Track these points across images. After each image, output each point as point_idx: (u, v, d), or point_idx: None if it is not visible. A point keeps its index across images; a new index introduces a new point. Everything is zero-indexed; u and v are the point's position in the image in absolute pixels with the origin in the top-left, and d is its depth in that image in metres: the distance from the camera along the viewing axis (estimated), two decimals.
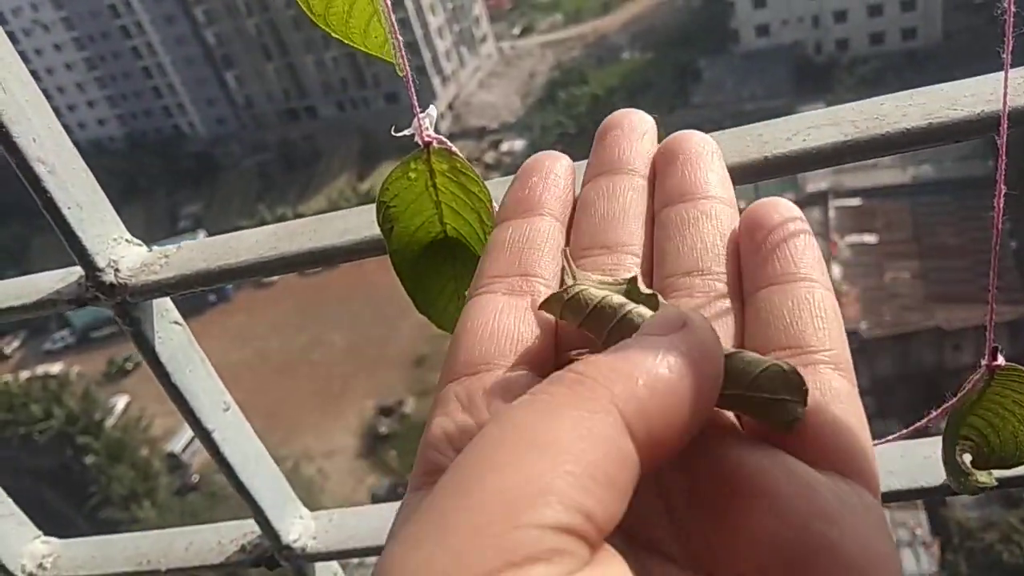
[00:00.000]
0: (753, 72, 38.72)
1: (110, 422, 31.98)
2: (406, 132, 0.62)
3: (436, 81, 46.81)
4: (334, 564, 1.02)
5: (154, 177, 47.68)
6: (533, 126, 43.30)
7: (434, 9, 46.86)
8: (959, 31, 38.44)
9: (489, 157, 43.81)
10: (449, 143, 0.62)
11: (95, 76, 50.70)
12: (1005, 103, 0.51)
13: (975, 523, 21.30)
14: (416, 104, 0.59)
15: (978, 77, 0.60)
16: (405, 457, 30.83)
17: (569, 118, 41.20)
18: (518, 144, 43.50)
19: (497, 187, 0.66)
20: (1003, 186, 0.54)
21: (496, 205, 0.64)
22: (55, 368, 36.10)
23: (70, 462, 31.38)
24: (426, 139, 0.61)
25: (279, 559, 0.94)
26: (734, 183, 0.62)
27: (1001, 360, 0.58)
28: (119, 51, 49.63)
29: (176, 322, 0.82)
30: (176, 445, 31.60)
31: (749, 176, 0.61)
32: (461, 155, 0.62)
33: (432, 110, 0.62)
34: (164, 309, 0.81)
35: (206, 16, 47.00)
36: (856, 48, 39.19)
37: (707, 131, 0.60)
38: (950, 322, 26.08)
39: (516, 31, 55.06)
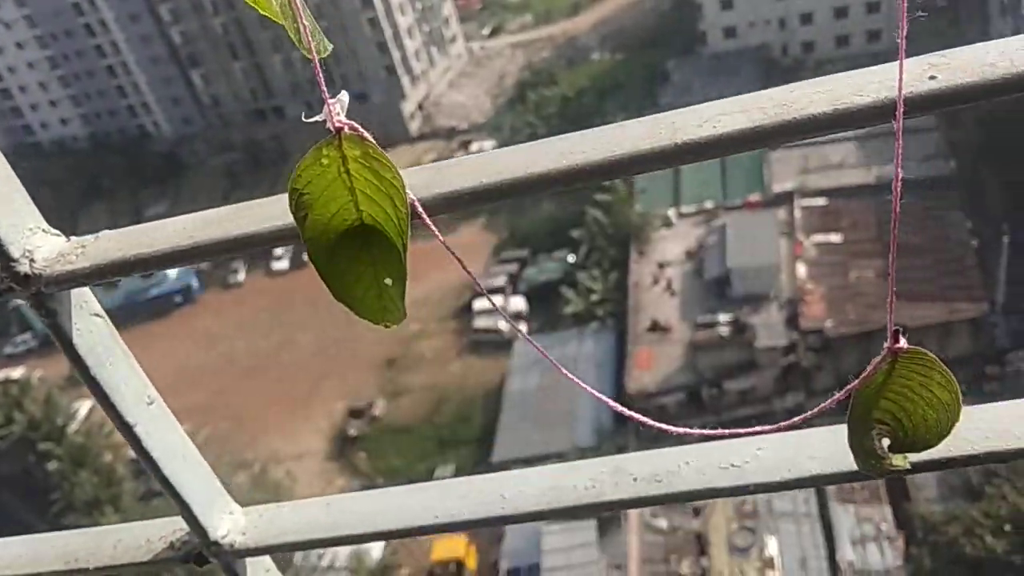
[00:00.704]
0: (721, 73, 39.06)
1: (73, 427, 31.42)
2: (317, 118, 0.62)
3: (406, 80, 46.63)
4: (267, 559, 1.01)
5: (118, 177, 46.95)
6: (503, 126, 43.31)
7: (403, 9, 46.68)
8: (922, 34, 38.96)
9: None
10: (361, 128, 0.62)
11: (58, 75, 49.81)
12: (901, 90, 0.51)
13: (939, 517, 21.64)
14: (325, 90, 0.59)
15: (882, 65, 0.61)
16: (375, 459, 30.65)
17: (539, 118, 41.26)
18: (488, 144, 43.46)
19: (411, 174, 0.66)
20: (899, 169, 0.55)
21: (410, 192, 0.63)
22: (16, 373, 35.40)
23: (32, 468, 30.79)
24: (337, 125, 0.61)
25: (207, 555, 0.93)
26: (647, 169, 0.62)
27: (903, 343, 0.58)
28: (82, 50, 48.80)
29: (97, 314, 0.80)
30: None
31: (661, 162, 0.62)
32: (373, 141, 0.62)
33: (344, 95, 0.62)
34: (83, 301, 0.79)
35: (171, 14, 46.39)
36: (822, 50, 39.70)
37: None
38: (913, 320, 26.48)
39: (486, 31, 55.02)
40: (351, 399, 32.64)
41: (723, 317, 27.62)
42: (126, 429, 0.84)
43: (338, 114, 0.62)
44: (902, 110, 0.53)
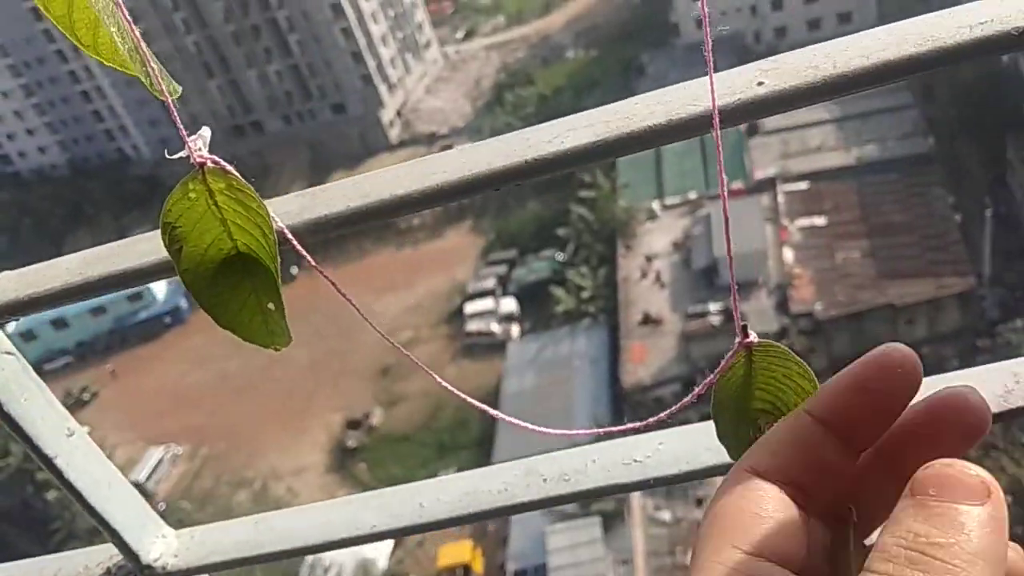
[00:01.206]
0: (695, 63, 38.84)
1: None
2: (180, 154, 0.64)
3: (383, 89, 46.62)
4: None
5: (100, 202, 46.79)
6: (483, 128, 43.35)
7: (376, 17, 46.67)
8: (893, 12, 39.34)
9: None
10: (223, 162, 0.63)
11: (33, 103, 49.61)
12: (715, 103, 0.52)
13: None
14: (181, 127, 0.60)
15: (719, 73, 0.63)
16: (375, 469, 30.64)
17: (518, 119, 41.32)
18: None
19: (285, 202, 0.68)
20: (724, 176, 0.55)
21: (276, 218, 0.66)
22: None
23: (31, 499, 30.67)
24: (199, 160, 0.63)
25: None
26: (502, 185, 0.64)
27: (753, 336, 0.59)
28: (56, 76, 48.62)
29: (7, 352, 0.83)
30: (140, 474, 31.03)
31: (514, 177, 0.64)
32: (236, 173, 0.64)
33: (205, 131, 0.64)
34: None
35: (143, 36, 46.00)
36: (794, 35, 39.87)
37: None
38: (902, 298, 26.64)
39: (460, 35, 55.05)
40: (348, 410, 32.61)
41: (713, 306, 27.71)
42: (46, 462, 0.86)
43: (199, 149, 0.62)
44: (718, 119, 0.54)
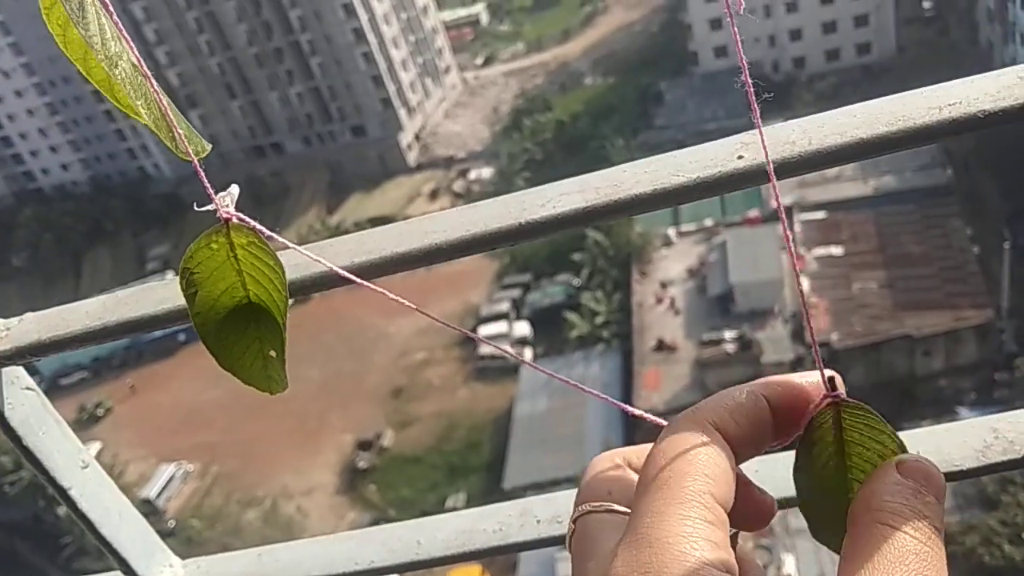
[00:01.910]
0: (714, 93, 39.35)
1: None
2: (208, 208, 0.68)
3: (402, 112, 47.05)
4: None
5: (120, 220, 47.33)
6: (500, 154, 43.60)
7: (397, 42, 47.22)
8: (912, 44, 39.41)
9: (458, 186, 44.02)
10: (248, 220, 0.67)
11: (57, 121, 50.41)
12: (768, 158, 0.54)
13: (956, 528, 21.48)
14: (209, 187, 0.64)
15: (702, 144, 0.67)
16: (385, 491, 30.58)
17: (535, 144, 41.56)
18: (486, 172, 43.76)
19: (290, 255, 0.72)
20: (793, 252, 0.57)
21: (325, 262, 0.70)
22: None
23: (42, 513, 30.77)
24: (225, 216, 0.67)
25: None
26: (498, 245, 0.68)
27: (841, 391, 0.58)
28: (80, 95, 49.42)
29: (28, 388, 0.87)
30: (151, 491, 31.10)
31: (509, 239, 0.68)
32: (258, 229, 0.68)
33: (234, 189, 0.68)
34: (15, 376, 0.86)
35: (168, 57, 47.00)
36: (813, 65, 39.99)
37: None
38: (919, 329, 26.44)
39: (479, 61, 55.56)
40: (359, 431, 32.61)
41: (728, 334, 27.59)
42: (61, 493, 0.90)
43: (227, 206, 0.66)
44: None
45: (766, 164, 0.63)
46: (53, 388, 37.11)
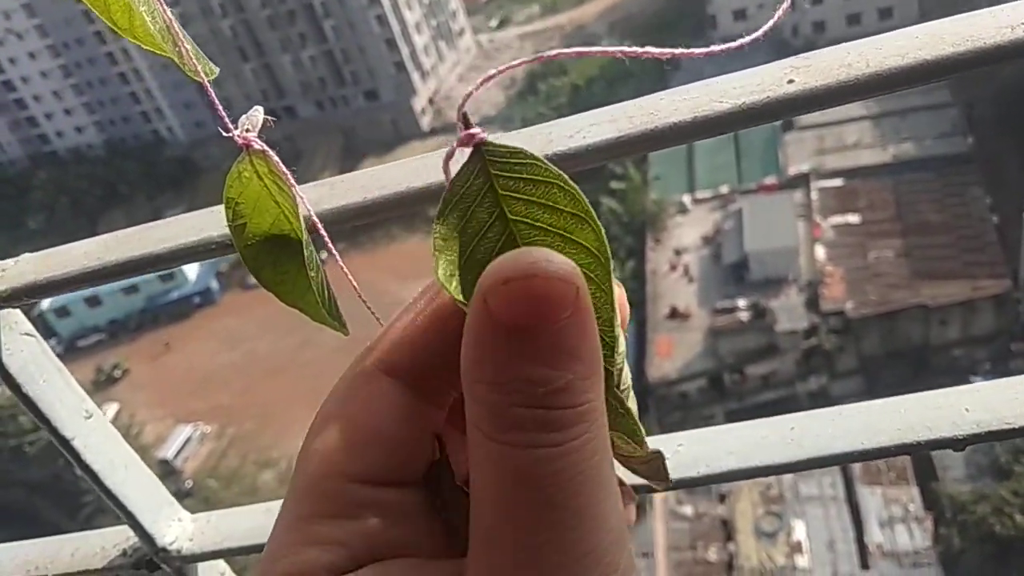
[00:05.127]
0: (732, 57, 38.41)
1: None
2: (233, 133, 0.63)
3: (415, 76, 46.67)
4: (220, 563, 1.04)
5: (134, 183, 47.43)
6: (514, 118, 43.25)
7: (410, 4, 46.68)
8: (934, 7, 38.63)
9: None
10: (263, 144, 0.62)
11: (71, 83, 50.31)
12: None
13: (967, 496, 21.50)
14: (220, 107, 0.59)
15: (746, 71, 0.62)
16: None
17: (550, 109, 41.18)
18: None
19: (306, 190, 0.67)
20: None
21: (307, 205, 0.65)
22: None
23: (62, 472, 31.27)
24: (241, 141, 0.62)
25: (157, 562, 0.96)
26: None
27: (481, 133, 0.45)
28: (94, 57, 49.26)
29: (28, 333, 0.83)
30: (168, 451, 31.52)
31: None
32: (272, 155, 0.62)
33: (257, 111, 0.63)
34: (13, 321, 0.82)
35: (180, 18, 46.15)
36: (833, 30, 39.26)
37: None
38: (935, 299, 26.24)
39: (493, 24, 54.91)
40: None
41: (742, 302, 27.47)
42: (64, 443, 0.86)
43: (249, 130, 0.61)
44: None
45: (819, 88, 0.58)
46: (70, 350, 37.52)
